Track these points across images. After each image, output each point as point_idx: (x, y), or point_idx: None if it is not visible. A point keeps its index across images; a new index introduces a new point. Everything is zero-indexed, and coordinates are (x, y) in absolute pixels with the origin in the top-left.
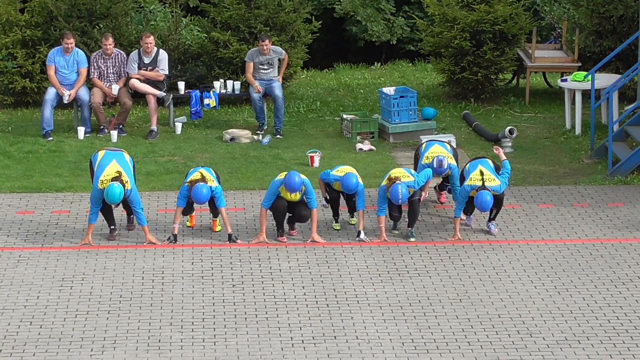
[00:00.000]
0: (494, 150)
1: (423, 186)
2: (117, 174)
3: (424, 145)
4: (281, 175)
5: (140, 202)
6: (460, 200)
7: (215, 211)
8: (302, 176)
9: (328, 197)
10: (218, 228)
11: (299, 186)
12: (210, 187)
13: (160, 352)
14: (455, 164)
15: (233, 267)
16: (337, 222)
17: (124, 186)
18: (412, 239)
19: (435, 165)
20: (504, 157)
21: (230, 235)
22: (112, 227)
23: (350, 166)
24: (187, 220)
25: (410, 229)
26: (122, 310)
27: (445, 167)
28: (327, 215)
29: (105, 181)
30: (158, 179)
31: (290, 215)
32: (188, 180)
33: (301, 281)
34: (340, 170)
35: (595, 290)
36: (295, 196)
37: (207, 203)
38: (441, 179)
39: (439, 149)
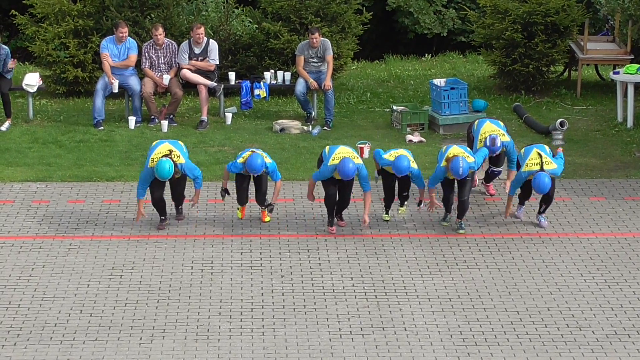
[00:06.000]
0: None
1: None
2: (168, 152)
3: (476, 123)
4: (334, 160)
5: (196, 168)
6: (514, 185)
7: (262, 201)
8: (356, 160)
9: (379, 174)
10: (267, 218)
11: (353, 173)
12: (264, 162)
13: (209, 341)
14: (509, 139)
15: (282, 258)
16: (387, 213)
17: (174, 162)
18: (462, 231)
19: (488, 144)
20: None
21: (271, 205)
22: (163, 217)
23: (404, 150)
24: (239, 210)
25: (459, 220)
26: (171, 299)
27: (499, 144)
28: (377, 209)
29: (156, 159)
30: (208, 169)
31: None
32: (240, 158)
33: (350, 272)
34: (392, 155)
35: None
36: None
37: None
38: (485, 173)
39: (491, 127)
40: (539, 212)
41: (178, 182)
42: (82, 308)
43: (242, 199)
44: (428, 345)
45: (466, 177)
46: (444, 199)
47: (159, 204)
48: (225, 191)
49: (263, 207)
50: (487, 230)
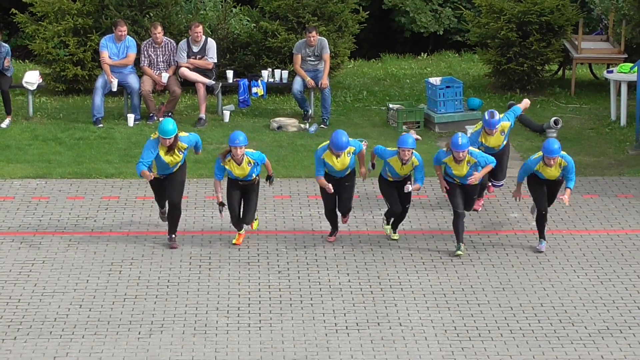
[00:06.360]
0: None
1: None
2: None
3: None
4: (325, 143)
5: (194, 135)
6: (521, 174)
7: (250, 218)
8: (351, 139)
9: (374, 167)
10: (255, 226)
11: (346, 145)
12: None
13: (206, 336)
14: (509, 123)
15: (279, 254)
16: (390, 226)
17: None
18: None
19: (487, 117)
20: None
21: (270, 177)
22: (162, 209)
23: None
24: (234, 238)
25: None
26: (169, 294)
27: (497, 118)
28: (375, 209)
29: (156, 132)
30: (206, 167)
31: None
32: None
33: (346, 268)
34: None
35: (638, 280)
36: (343, 160)
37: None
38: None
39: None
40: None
41: (176, 178)
42: (81, 303)
43: (236, 218)
44: (423, 340)
45: (474, 189)
46: (451, 201)
47: (160, 192)
48: (221, 205)
49: (247, 226)
50: (481, 227)
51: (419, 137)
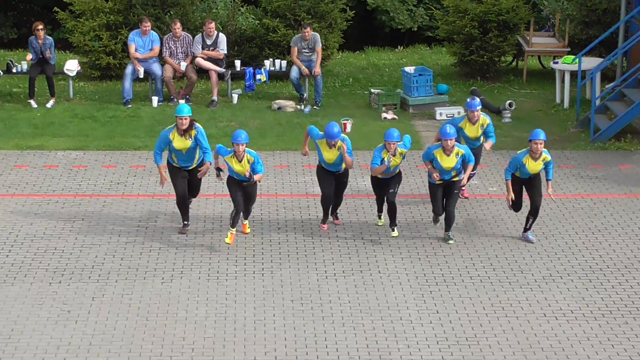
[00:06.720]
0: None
1: (464, 169)
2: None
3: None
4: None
5: (207, 143)
6: (509, 169)
7: (248, 212)
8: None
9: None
10: (247, 230)
11: (338, 134)
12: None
13: (218, 281)
14: (489, 121)
15: (279, 213)
16: (380, 217)
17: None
18: (451, 242)
19: (469, 100)
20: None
21: (220, 170)
22: (185, 222)
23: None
24: (227, 237)
25: (447, 233)
26: (187, 246)
27: (477, 101)
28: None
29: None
30: (218, 141)
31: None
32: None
33: (334, 225)
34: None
35: (576, 236)
36: (334, 152)
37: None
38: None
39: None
40: (525, 230)
41: (196, 180)
42: (114, 253)
43: (238, 211)
44: (397, 285)
45: (455, 184)
46: (433, 204)
47: (183, 203)
48: (219, 170)
49: (245, 221)
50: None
51: (395, 117)
